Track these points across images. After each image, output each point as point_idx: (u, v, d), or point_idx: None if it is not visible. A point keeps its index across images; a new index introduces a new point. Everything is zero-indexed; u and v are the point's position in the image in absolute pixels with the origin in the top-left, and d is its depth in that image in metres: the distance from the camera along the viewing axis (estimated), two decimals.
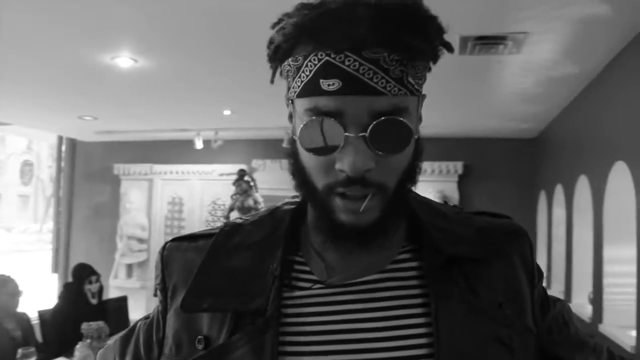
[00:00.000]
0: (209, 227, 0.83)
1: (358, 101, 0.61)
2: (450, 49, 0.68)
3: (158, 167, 6.93)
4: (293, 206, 0.78)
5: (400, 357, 0.66)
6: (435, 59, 0.67)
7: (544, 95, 4.16)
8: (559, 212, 4.68)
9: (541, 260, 5.40)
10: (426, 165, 6.08)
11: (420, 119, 0.72)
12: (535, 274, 0.78)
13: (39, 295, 7.49)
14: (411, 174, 0.68)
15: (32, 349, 3.06)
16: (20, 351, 3.01)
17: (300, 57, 0.64)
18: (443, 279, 0.69)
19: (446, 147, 6.13)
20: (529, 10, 2.61)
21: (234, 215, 5.82)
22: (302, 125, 0.64)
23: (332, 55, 0.61)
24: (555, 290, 4.68)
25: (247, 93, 4.31)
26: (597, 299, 3.49)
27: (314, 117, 0.63)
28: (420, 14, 0.64)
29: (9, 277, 3.76)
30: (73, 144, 7.29)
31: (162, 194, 6.98)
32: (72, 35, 3.10)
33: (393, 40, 0.61)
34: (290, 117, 0.71)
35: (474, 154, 6.14)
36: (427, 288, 0.69)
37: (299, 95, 0.65)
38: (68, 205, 7.30)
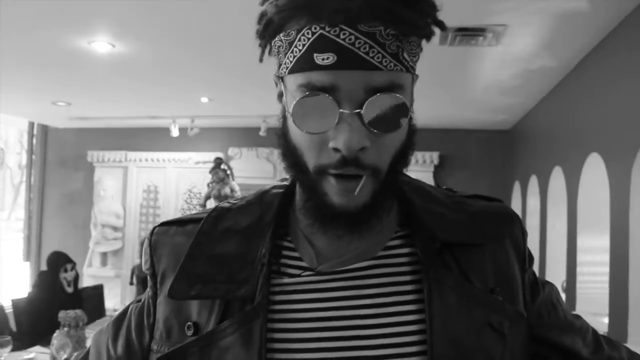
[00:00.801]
0: (196, 212, 0.82)
1: (353, 76, 0.60)
2: (443, 27, 0.67)
3: (133, 155, 6.84)
4: (282, 190, 0.76)
5: (392, 343, 0.66)
6: (429, 36, 0.66)
7: (520, 88, 4.23)
8: (533, 202, 4.78)
9: None
10: None
11: (413, 99, 0.69)
12: (526, 259, 0.78)
13: (10, 283, 7.36)
14: (404, 155, 0.67)
15: (8, 338, 3.03)
16: None
17: (292, 32, 0.61)
18: (436, 264, 0.68)
19: (422, 138, 5.96)
20: (508, 3, 2.65)
21: (210, 204, 5.79)
22: (294, 102, 0.62)
23: (327, 29, 0.59)
24: None
25: (225, 80, 4.28)
26: (570, 287, 3.58)
27: (307, 93, 0.61)
28: None
29: None
30: (45, 130, 7.15)
31: (137, 182, 6.90)
32: (48, 19, 3.03)
33: (389, 13, 0.60)
34: (280, 96, 0.69)
35: (449, 144, 6.21)
36: (420, 274, 0.68)
37: (292, 71, 0.63)
38: (40, 193, 7.16)
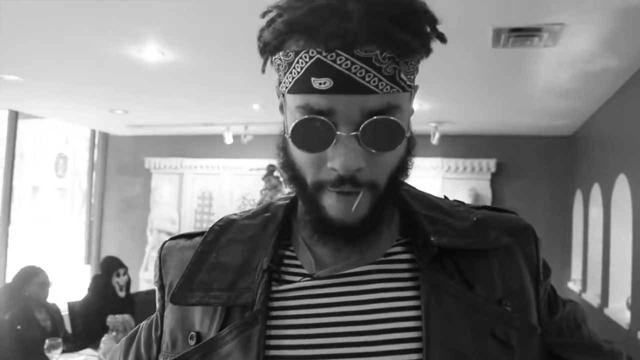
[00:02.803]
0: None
1: (350, 100, 0.61)
2: (443, 39, 0.66)
3: (188, 161, 6.97)
4: (287, 201, 0.78)
5: (389, 351, 0.65)
6: (427, 53, 0.66)
7: (580, 91, 4.01)
8: (596, 212, 4.52)
9: (576, 263, 5.24)
10: (458, 163, 5.99)
11: (412, 111, 0.70)
12: (540, 271, 0.76)
13: (72, 286, 7.64)
14: (402, 170, 0.68)
15: (59, 340, 3.10)
16: (47, 342, 3.06)
17: (291, 53, 0.63)
18: (436, 271, 0.68)
19: (478, 144, 6.00)
20: (565, 0, 2.50)
21: None
22: (293, 123, 0.64)
23: (324, 54, 0.60)
24: (591, 294, 4.52)
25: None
26: (636, 304, 3.35)
27: (305, 116, 0.62)
28: (414, 7, 0.63)
29: (39, 268, 3.81)
30: (106, 137, 7.40)
31: (193, 188, 7.02)
32: (99, 28, 3.10)
33: (385, 37, 0.60)
34: (281, 108, 0.71)
35: (507, 151, 5.99)
36: (419, 281, 0.68)
37: (290, 91, 0.64)
38: (100, 198, 7.41)
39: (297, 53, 0.62)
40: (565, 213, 5.66)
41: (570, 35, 2.89)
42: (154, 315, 0.82)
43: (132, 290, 4.42)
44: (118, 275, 4.13)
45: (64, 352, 3.22)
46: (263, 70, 0.71)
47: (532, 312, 0.72)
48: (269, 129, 6.19)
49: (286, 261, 0.73)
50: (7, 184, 5.83)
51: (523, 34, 2.90)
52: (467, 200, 5.79)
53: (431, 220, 0.72)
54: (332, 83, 0.60)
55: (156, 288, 0.80)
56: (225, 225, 0.77)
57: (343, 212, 0.64)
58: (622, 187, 3.78)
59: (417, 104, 4.69)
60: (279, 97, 0.71)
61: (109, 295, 4.04)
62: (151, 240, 6.95)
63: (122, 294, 4.12)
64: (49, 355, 3.02)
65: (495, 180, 5.98)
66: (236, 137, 5.99)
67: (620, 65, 3.40)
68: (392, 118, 0.62)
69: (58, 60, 3.77)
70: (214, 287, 0.71)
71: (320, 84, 0.60)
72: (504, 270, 0.71)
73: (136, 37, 3.23)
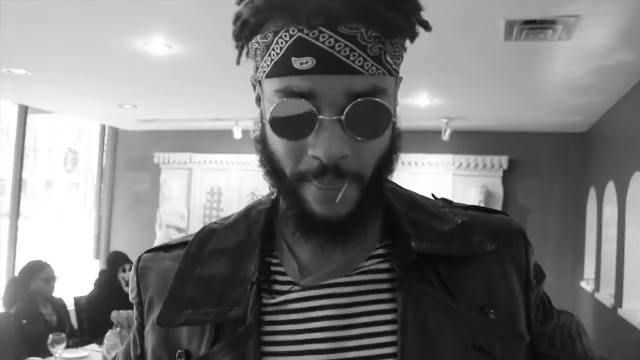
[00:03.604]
0: (183, 236, 0.79)
1: (333, 81, 0.57)
2: (427, 27, 0.63)
3: (197, 157, 6.94)
4: (267, 205, 0.74)
5: (365, 356, 0.63)
6: (412, 37, 0.63)
7: (596, 86, 3.91)
8: (610, 210, 4.42)
9: (589, 262, 5.14)
10: (469, 159, 5.90)
11: (397, 102, 0.66)
12: (530, 276, 0.71)
13: (80, 281, 7.66)
14: (388, 162, 0.64)
15: (63, 335, 3.08)
16: (51, 337, 3.04)
17: (269, 34, 0.59)
18: (414, 279, 0.64)
19: (490, 141, 5.90)
20: None
21: None
22: (271, 108, 0.59)
23: (305, 31, 0.56)
24: (604, 294, 4.42)
25: None
26: None
27: (284, 99, 0.58)
28: None
29: (45, 262, 3.80)
30: (115, 132, 7.40)
31: (202, 184, 6.99)
32: (106, 21, 3.06)
33: (371, 14, 0.57)
34: (258, 99, 0.67)
35: (519, 148, 5.89)
36: (396, 291, 0.65)
37: (269, 75, 0.60)
38: (109, 193, 7.41)
39: (275, 33, 0.58)
40: (578, 211, 5.56)
41: (585, 27, 2.80)
42: (130, 336, 0.77)
43: None
44: (124, 271, 4.11)
45: (69, 347, 3.21)
46: (238, 62, 0.67)
47: (521, 319, 0.69)
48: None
49: (273, 269, 0.69)
50: (17, 178, 5.84)
51: (536, 27, 2.82)
52: (478, 197, 5.72)
53: (413, 222, 0.68)
54: (314, 62, 0.56)
55: (134, 304, 0.75)
56: (206, 237, 0.73)
57: (327, 205, 0.60)
58: (637, 185, 3.69)
59: (428, 100, 4.62)
60: (254, 87, 0.67)
61: (114, 291, 4.02)
62: (159, 235, 6.94)
63: (127, 289, 4.09)
64: (52, 350, 3.00)
65: (507, 177, 5.89)
66: (245, 132, 5.94)
67: (637, 60, 3.30)
68: (378, 100, 0.58)
69: (66, 54, 3.74)
70: (201, 304, 0.66)
71: (301, 63, 0.56)
72: (489, 276, 0.68)
73: (142, 30, 3.19)
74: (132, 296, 0.76)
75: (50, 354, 3.04)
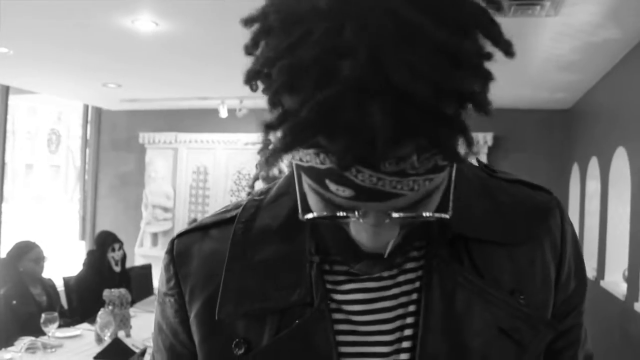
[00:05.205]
0: (223, 209, 0.72)
1: (375, 204, 0.49)
2: (509, 51, 0.50)
3: (183, 136, 6.90)
4: None
5: (411, 335, 0.60)
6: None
7: (581, 62, 3.96)
8: (593, 185, 4.51)
9: None
10: None
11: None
12: (564, 259, 0.66)
13: (67, 262, 7.62)
14: (446, 199, 0.56)
15: (55, 314, 3.08)
16: (43, 316, 3.03)
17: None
18: (443, 254, 0.61)
19: (475, 118, 5.91)
20: None
21: (259, 185, 5.78)
22: (306, 209, 0.55)
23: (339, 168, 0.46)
24: (588, 266, 4.50)
25: None
26: (632, 276, 3.35)
27: (323, 213, 0.53)
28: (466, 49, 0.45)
29: (33, 243, 3.78)
30: (99, 112, 7.30)
31: (187, 163, 6.96)
32: None
33: (424, 135, 0.44)
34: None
35: (504, 124, 5.95)
36: (424, 265, 0.62)
37: (299, 167, 0.52)
38: (94, 174, 7.35)
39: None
40: (562, 187, 5.65)
41: (572, 4, 2.83)
42: (159, 335, 0.71)
43: (127, 265, 4.40)
44: (113, 250, 4.10)
45: (60, 326, 3.20)
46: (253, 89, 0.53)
47: (550, 305, 0.65)
48: (265, 102, 6.11)
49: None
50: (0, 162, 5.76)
51: (525, 2, 2.84)
52: None
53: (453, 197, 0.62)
54: (353, 193, 0.47)
55: (169, 296, 0.68)
56: (251, 218, 0.66)
57: (374, 242, 0.53)
58: (620, 160, 3.76)
59: None
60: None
61: (104, 270, 4.02)
62: (145, 215, 6.92)
63: (117, 268, 4.10)
64: (45, 329, 3.00)
65: (492, 153, 5.95)
66: (231, 111, 5.91)
67: (622, 37, 3.35)
68: (425, 214, 0.52)
69: (48, 31, 3.68)
70: (260, 291, 0.62)
71: (337, 189, 0.48)
72: (525, 261, 0.64)
73: (129, 6, 3.15)
74: (167, 286, 0.69)
75: (43, 334, 3.04)
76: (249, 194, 0.71)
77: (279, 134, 0.47)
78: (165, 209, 6.93)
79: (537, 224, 0.65)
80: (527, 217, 0.65)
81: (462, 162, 0.48)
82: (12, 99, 5.88)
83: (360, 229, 0.52)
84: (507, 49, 0.49)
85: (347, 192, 0.47)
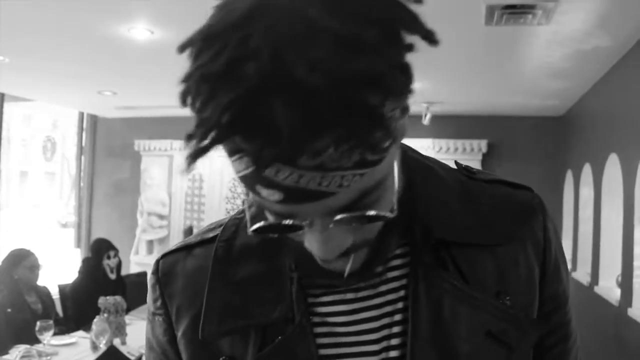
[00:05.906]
0: (206, 227, 0.73)
1: (309, 207, 0.48)
2: (432, 40, 0.48)
3: (178, 144, 6.90)
4: None
5: (401, 343, 0.60)
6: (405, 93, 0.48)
7: (573, 70, 4.00)
8: (586, 192, 4.54)
9: (567, 242, 5.27)
10: (449, 143, 5.99)
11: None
12: (548, 259, 0.66)
13: (62, 269, 7.60)
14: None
15: (50, 322, 3.08)
16: (39, 323, 3.03)
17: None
18: (428, 261, 0.61)
19: (470, 125, 5.99)
20: None
21: None
22: (247, 211, 0.56)
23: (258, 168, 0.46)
24: (581, 272, 4.56)
25: None
26: (626, 282, 3.37)
27: (261, 224, 0.52)
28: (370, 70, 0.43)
29: (28, 250, 3.78)
30: (94, 120, 7.31)
31: (183, 171, 6.96)
32: (87, 4, 3.04)
33: (338, 128, 0.43)
34: None
35: (498, 132, 6.00)
36: (409, 274, 0.62)
37: (235, 174, 0.51)
38: (89, 181, 7.34)
39: (225, 146, 0.49)
40: (556, 193, 5.68)
41: (564, 12, 2.87)
42: (150, 354, 0.72)
43: (123, 273, 4.40)
44: (109, 258, 4.10)
45: (55, 334, 3.20)
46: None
47: (536, 305, 0.65)
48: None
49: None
50: None
51: (517, 11, 2.87)
52: None
53: (432, 201, 0.63)
54: (282, 195, 0.47)
55: (157, 315, 0.69)
56: (232, 236, 0.67)
57: (325, 251, 0.52)
58: (613, 167, 3.79)
59: None
60: None
61: (99, 278, 4.02)
62: (141, 222, 6.91)
63: (112, 276, 4.10)
64: (40, 337, 3.00)
65: (487, 160, 5.99)
66: None
67: (613, 45, 3.39)
68: (369, 214, 0.50)
69: (44, 38, 3.70)
70: (242, 309, 0.62)
71: (268, 194, 0.47)
72: (509, 262, 0.63)
73: (125, 14, 3.17)
74: (155, 306, 0.69)
75: (37, 342, 3.04)
76: (244, 201, 0.70)
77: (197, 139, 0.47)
78: (161, 217, 6.92)
79: (520, 223, 0.65)
80: (509, 217, 0.65)
81: (383, 153, 0.48)
82: (8, 107, 5.90)
83: (311, 238, 0.52)
84: (428, 37, 0.47)
85: (276, 196, 0.47)
